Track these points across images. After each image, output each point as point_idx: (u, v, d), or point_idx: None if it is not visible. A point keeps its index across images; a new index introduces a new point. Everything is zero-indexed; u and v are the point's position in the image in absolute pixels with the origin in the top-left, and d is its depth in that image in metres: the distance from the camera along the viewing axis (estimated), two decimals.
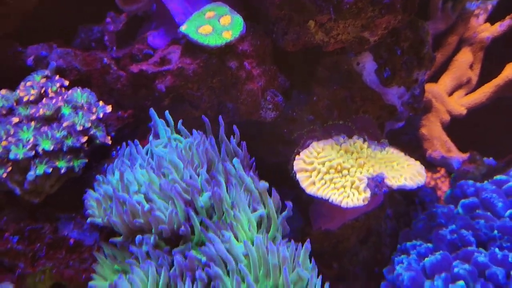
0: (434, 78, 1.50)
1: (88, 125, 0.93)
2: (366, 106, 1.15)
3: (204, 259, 0.83)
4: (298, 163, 1.01)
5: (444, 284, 1.02)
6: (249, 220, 0.89)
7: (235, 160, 0.97)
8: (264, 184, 0.94)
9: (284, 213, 0.92)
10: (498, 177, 1.27)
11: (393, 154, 1.06)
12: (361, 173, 1.00)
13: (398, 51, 1.16)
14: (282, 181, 1.09)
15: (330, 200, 0.97)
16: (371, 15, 1.03)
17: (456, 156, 1.20)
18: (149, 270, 0.81)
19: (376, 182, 0.99)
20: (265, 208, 0.92)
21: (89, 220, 0.95)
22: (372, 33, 1.06)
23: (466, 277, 1.08)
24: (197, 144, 0.93)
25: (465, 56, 1.49)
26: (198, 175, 0.90)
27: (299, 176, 0.99)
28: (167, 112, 1.01)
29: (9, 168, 0.94)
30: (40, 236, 1.07)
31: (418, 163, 1.05)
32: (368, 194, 0.97)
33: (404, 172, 1.01)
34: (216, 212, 0.87)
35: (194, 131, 0.99)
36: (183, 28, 1.02)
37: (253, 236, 0.86)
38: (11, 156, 0.93)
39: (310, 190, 0.98)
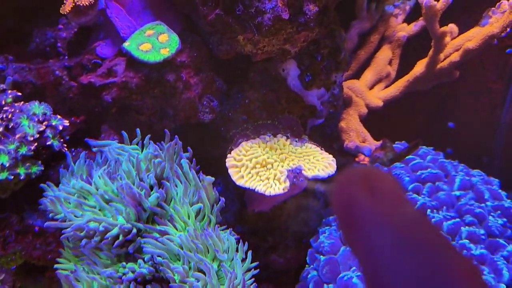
0: (359, 73, 1.69)
1: (36, 135, 1.06)
2: (291, 107, 1.34)
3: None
4: (229, 161, 1.20)
5: None
6: (189, 213, 1.08)
7: (182, 161, 1.14)
8: (209, 178, 1.13)
9: (217, 207, 1.12)
10: (407, 157, 1.52)
11: (311, 149, 1.26)
12: (282, 166, 1.20)
13: (319, 57, 1.35)
14: (222, 170, 1.28)
15: (256, 190, 1.17)
16: (290, 31, 1.20)
17: (368, 145, 1.41)
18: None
19: (295, 174, 1.20)
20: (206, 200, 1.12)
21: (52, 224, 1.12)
22: (293, 45, 1.24)
23: None
24: (148, 155, 1.10)
25: (384, 53, 1.69)
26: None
27: (230, 171, 1.18)
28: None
29: None
30: (8, 225, 1.25)
31: (330, 156, 1.26)
32: (287, 184, 1.18)
33: (318, 164, 1.22)
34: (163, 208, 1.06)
35: (152, 143, 1.15)
36: (126, 45, 1.17)
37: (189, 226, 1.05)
38: None
39: (240, 182, 1.18)
